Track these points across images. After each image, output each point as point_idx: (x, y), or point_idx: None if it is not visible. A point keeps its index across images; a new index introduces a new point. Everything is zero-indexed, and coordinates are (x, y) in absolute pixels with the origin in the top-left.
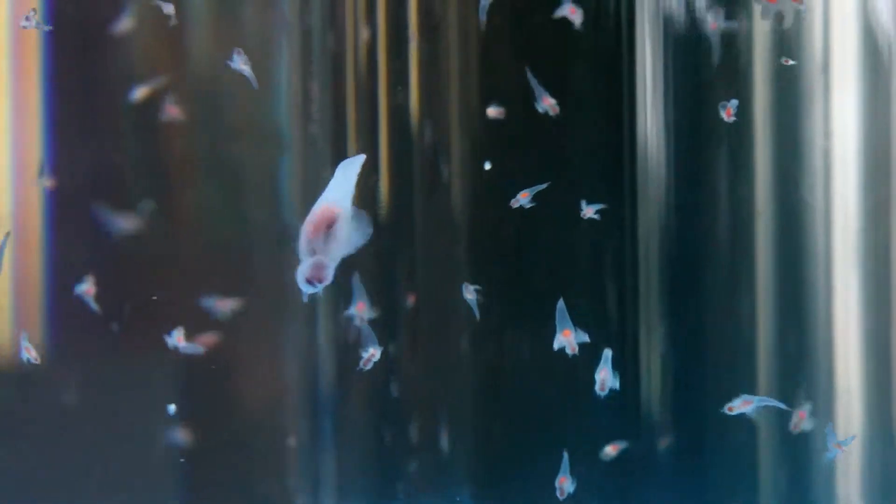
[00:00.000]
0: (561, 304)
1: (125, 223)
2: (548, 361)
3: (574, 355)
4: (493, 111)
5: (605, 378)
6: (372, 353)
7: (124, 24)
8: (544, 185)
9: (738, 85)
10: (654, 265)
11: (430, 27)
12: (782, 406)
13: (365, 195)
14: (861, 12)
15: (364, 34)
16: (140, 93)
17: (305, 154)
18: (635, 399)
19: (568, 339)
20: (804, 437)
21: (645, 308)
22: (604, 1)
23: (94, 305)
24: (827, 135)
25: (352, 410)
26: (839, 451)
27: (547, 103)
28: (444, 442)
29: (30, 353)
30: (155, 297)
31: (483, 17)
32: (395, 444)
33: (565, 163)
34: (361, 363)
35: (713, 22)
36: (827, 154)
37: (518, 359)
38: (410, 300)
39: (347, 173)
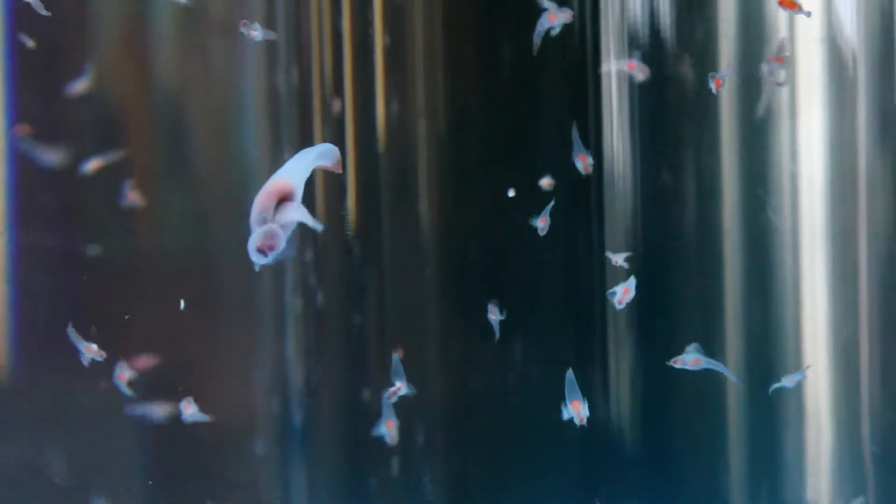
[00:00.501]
0: (570, 374)
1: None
2: (520, 383)
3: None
4: (546, 182)
5: (580, 410)
6: (398, 387)
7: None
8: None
9: (705, 106)
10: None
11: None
12: (731, 377)
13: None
14: (825, 28)
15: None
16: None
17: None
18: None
19: (577, 409)
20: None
21: (613, 332)
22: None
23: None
24: (793, 156)
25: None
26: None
27: (583, 160)
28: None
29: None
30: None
31: (537, 41)
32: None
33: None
34: (387, 395)
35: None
36: (793, 176)
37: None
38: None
39: (308, 157)
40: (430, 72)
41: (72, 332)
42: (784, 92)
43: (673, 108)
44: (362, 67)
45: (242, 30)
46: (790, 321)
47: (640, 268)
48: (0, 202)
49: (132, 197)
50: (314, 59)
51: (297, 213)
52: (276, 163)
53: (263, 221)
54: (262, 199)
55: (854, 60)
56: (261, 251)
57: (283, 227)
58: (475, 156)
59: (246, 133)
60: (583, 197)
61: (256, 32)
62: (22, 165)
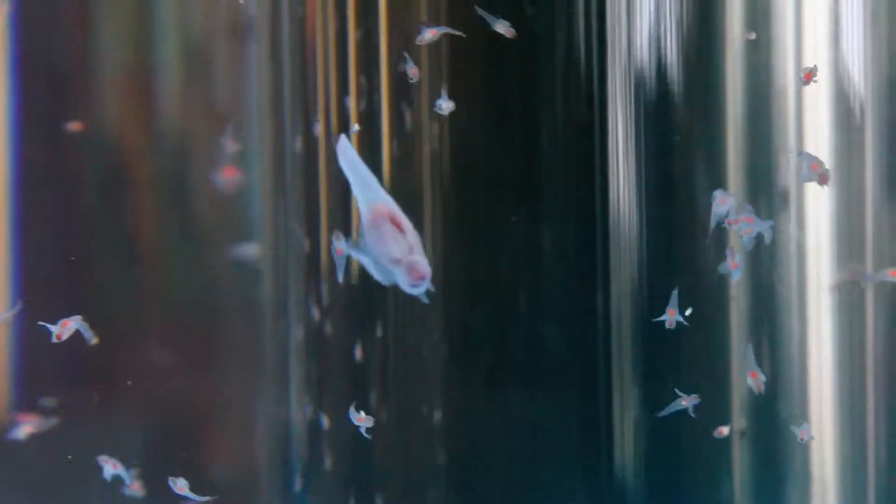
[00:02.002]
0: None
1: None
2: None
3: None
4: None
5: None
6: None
7: None
8: None
9: (710, 149)
10: (627, 326)
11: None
12: None
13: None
14: (833, 74)
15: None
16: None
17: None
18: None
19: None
20: None
21: (618, 369)
22: (575, 61)
23: None
24: (799, 222)
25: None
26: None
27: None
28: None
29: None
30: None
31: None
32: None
33: (536, 228)
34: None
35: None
36: (799, 241)
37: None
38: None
39: (358, 168)
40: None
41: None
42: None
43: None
44: (369, 107)
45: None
46: (797, 386)
47: (646, 306)
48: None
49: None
50: (320, 115)
51: (409, 226)
52: (278, 210)
53: (398, 261)
54: (378, 237)
55: (862, 121)
56: (415, 285)
57: (416, 253)
58: (481, 197)
59: (249, 187)
60: (589, 249)
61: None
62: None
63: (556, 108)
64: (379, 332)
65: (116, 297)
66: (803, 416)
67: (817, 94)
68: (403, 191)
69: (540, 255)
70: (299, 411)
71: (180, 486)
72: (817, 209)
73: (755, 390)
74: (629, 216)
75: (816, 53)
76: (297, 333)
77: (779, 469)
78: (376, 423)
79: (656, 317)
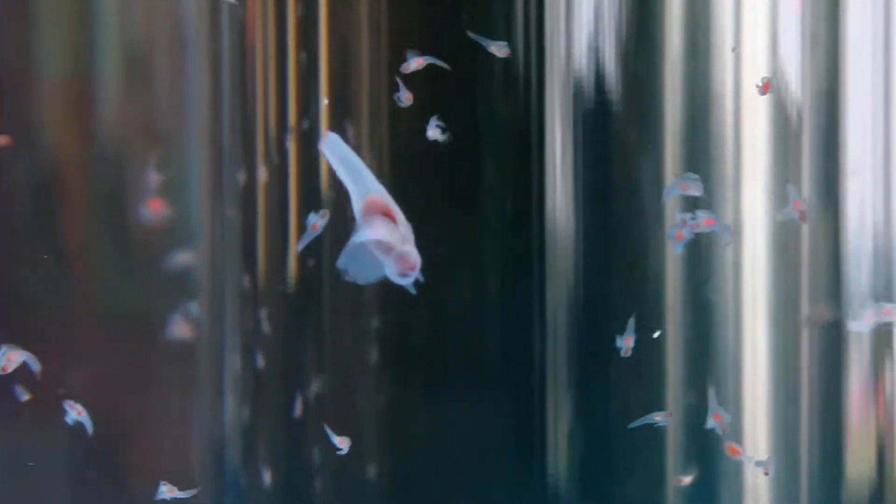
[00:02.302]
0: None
1: None
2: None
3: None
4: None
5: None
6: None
7: None
8: None
9: (648, 160)
10: (563, 332)
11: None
12: None
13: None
14: (770, 82)
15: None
16: None
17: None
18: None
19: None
20: None
21: (552, 376)
22: (513, 69)
23: None
24: (736, 229)
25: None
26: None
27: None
28: None
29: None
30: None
31: None
32: None
33: (472, 234)
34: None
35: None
36: (736, 250)
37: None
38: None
39: (349, 159)
40: (375, 117)
41: None
42: (728, 165)
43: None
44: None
45: None
46: (731, 396)
47: (581, 312)
48: None
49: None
50: (259, 118)
51: (402, 219)
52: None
53: (388, 250)
54: (369, 229)
55: (799, 111)
56: (404, 275)
57: (407, 243)
58: (419, 204)
59: (188, 193)
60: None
61: None
62: None
63: (494, 116)
64: (315, 340)
65: (45, 308)
66: (737, 427)
67: (755, 102)
68: (340, 201)
69: (477, 262)
70: (235, 419)
71: (168, 488)
72: (753, 216)
73: (719, 432)
74: (566, 223)
75: (755, 62)
76: (234, 341)
77: (711, 478)
78: (311, 430)
79: (592, 325)
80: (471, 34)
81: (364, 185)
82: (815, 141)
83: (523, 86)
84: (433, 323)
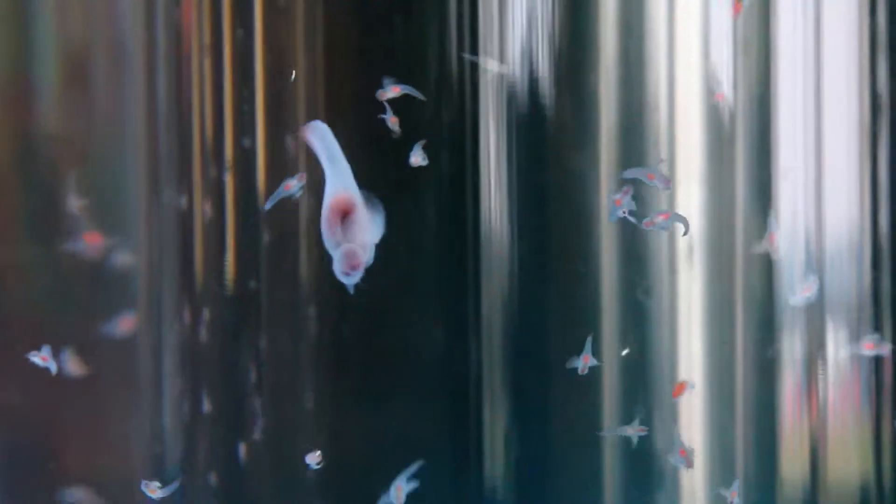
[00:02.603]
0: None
1: None
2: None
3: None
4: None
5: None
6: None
7: None
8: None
9: (584, 166)
10: (497, 334)
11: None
12: None
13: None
14: (703, 88)
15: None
16: None
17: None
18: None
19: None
20: None
21: (488, 375)
22: (448, 77)
23: None
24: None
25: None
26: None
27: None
28: None
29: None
30: None
31: None
32: None
33: (407, 236)
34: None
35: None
36: (671, 252)
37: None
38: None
39: (332, 152)
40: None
41: None
42: (662, 168)
43: (552, 190)
44: (242, 126)
45: None
46: (667, 397)
47: (516, 317)
48: None
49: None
50: (195, 117)
51: (363, 222)
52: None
53: (338, 244)
54: (326, 223)
55: (733, 135)
56: (347, 273)
57: (358, 243)
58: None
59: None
60: (460, 262)
61: None
62: None
63: (428, 120)
64: (250, 341)
65: None
66: (673, 422)
67: (688, 108)
68: (279, 204)
69: (413, 264)
70: (174, 419)
71: (152, 488)
72: (687, 219)
73: (685, 468)
74: (501, 227)
75: (689, 68)
76: (171, 342)
77: (649, 477)
78: (245, 433)
79: (526, 325)
80: (465, 55)
81: (339, 179)
82: (748, 144)
83: (457, 89)
84: (369, 325)
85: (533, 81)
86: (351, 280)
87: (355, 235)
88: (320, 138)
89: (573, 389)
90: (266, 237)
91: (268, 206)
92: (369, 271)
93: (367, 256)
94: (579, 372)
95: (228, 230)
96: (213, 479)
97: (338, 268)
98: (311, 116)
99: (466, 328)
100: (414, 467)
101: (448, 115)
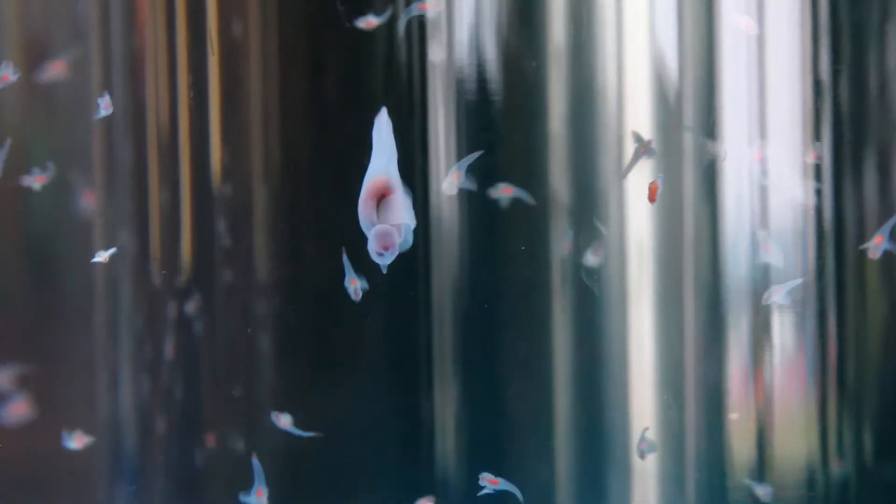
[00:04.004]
0: None
1: None
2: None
3: None
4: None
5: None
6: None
7: None
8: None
9: (531, 147)
10: (449, 338)
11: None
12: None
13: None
14: (652, 75)
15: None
16: None
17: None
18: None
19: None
20: None
21: (440, 375)
22: (397, 67)
23: None
24: (621, 216)
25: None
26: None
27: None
28: None
29: None
30: None
31: None
32: None
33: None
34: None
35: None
36: (622, 237)
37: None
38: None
39: (383, 136)
40: (264, 120)
41: None
42: (612, 154)
43: (501, 170)
44: (198, 113)
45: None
46: (619, 381)
47: (468, 330)
48: None
49: None
50: (150, 114)
51: (400, 204)
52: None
53: (372, 225)
54: (364, 203)
55: (680, 119)
56: (380, 253)
57: (393, 223)
58: (305, 194)
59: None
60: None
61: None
62: None
63: (377, 107)
64: (201, 325)
65: None
66: (625, 402)
67: (636, 95)
68: (231, 192)
69: (362, 251)
70: (129, 408)
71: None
72: (637, 207)
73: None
74: (450, 212)
75: (637, 53)
76: (124, 328)
77: (601, 461)
78: (200, 418)
79: (478, 308)
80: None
81: (382, 161)
82: (695, 129)
83: (406, 77)
84: (320, 311)
85: (481, 66)
86: (384, 260)
87: (390, 217)
88: (380, 121)
89: (524, 369)
90: (219, 225)
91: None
92: (310, 256)
93: (401, 238)
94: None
95: (184, 218)
96: (164, 465)
97: (372, 247)
98: (261, 110)
99: (417, 313)
100: None
101: (397, 101)
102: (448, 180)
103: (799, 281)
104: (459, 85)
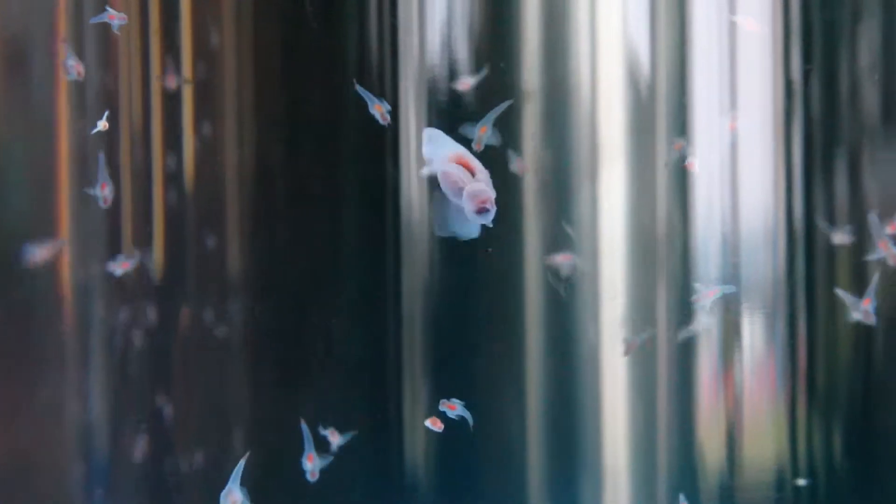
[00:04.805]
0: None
1: None
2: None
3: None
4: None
5: None
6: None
7: None
8: None
9: (505, 148)
10: (419, 323)
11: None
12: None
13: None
14: (626, 74)
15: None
16: None
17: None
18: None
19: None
20: None
21: (409, 378)
22: (368, 64)
23: None
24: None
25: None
26: None
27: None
28: None
29: None
30: None
31: None
32: None
33: (331, 227)
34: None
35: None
36: (594, 236)
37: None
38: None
39: (440, 140)
40: (238, 115)
41: None
42: (585, 151)
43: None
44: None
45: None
46: (589, 383)
47: (440, 333)
48: None
49: None
50: (123, 107)
51: (480, 168)
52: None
53: (460, 190)
54: (445, 173)
55: (653, 118)
56: (479, 212)
57: (484, 180)
58: (279, 198)
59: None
60: (380, 255)
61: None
62: None
63: (348, 111)
64: (175, 322)
65: None
66: (597, 400)
67: (610, 95)
68: (206, 197)
69: (335, 252)
70: (100, 405)
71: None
72: (610, 203)
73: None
74: (421, 215)
75: (610, 50)
76: (94, 327)
77: (572, 461)
78: (169, 416)
79: (448, 311)
80: (358, 88)
81: (447, 147)
82: (668, 126)
83: (377, 79)
84: (290, 311)
85: (453, 70)
86: (486, 218)
87: (479, 178)
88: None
89: (496, 370)
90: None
91: None
92: (289, 257)
93: (493, 193)
94: None
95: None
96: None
97: (468, 209)
98: (237, 109)
99: (386, 315)
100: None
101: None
102: (475, 135)
103: (732, 288)
104: (431, 84)
